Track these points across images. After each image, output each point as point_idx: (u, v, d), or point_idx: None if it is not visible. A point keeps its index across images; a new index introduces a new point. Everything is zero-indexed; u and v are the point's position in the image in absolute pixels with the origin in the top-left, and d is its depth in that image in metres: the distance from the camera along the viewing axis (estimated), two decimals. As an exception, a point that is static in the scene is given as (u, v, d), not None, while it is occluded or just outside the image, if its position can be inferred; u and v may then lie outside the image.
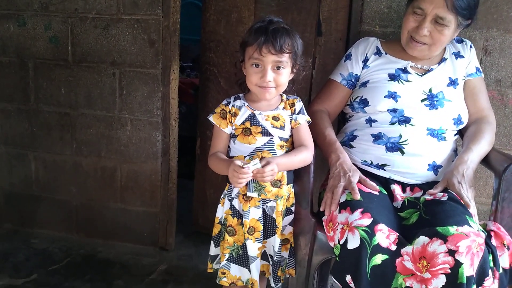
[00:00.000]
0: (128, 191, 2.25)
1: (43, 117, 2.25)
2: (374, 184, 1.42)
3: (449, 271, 1.12)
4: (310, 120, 1.51)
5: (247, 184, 1.38)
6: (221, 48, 2.16)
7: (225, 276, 1.46)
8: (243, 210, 1.43)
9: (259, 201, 1.42)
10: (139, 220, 2.27)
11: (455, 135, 1.60)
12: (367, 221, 1.24)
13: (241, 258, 1.46)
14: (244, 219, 1.42)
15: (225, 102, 1.47)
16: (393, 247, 1.21)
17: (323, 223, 1.42)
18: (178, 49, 2.08)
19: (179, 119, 2.18)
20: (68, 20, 2.11)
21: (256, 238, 1.43)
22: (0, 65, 2.25)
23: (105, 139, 2.21)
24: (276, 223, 1.45)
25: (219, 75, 2.19)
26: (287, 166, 1.42)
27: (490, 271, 1.19)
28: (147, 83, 2.10)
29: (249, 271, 1.45)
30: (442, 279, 1.12)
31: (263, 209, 1.44)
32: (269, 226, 1.46)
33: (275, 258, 1.47)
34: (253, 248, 1.43)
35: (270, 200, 1.44)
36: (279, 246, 1.46)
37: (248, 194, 1.40)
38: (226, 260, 1.46)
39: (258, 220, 1.43)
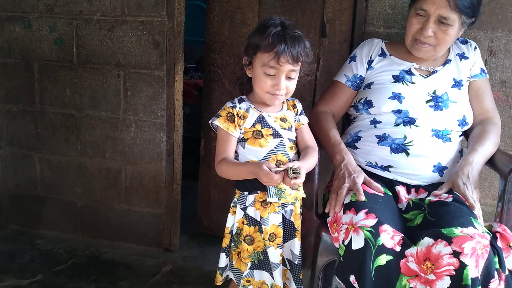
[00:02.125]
0: (132, 192, 2.26)
1: (48, 118, 2.27)
2: (378, 186, 1.42)
3: (454, 272, 1.11)
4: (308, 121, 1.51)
5: (266, 190, 1.35)
6: (225, 49, 2.16)
7: (250, 284, 1.44)
8: (261, 217, 1.38)
9: (279, 206, 1.39)
10: (143, 221, 2.28)
11: (460, 136, 1.60)
12: (371, 221, 1.23)
13: (263, 263, 1.43)
14: (264, 226, 1.37)
15: (230, 104, 1.40)
16: (398, 248, 1.20)
17: (328, 224, 1.42)
18: (182, 50, 2.08)
19: (183, 120, 2.18)
20: (73, 22, 2.13)
21: (277, 245, 1.40)
22: (5, 66, 2.26)
23: (109, 140, 2.22)
24: (296, 226, 1.43)
25: (223, 76, 2.20)
26: (309, 169, 1.40)
27: (496, 273, 1.18)
28: (152, 84, 2.11)
29: (272, 277, 1.41)
30: (446, 281, 1.12)
31: (282, 213, 1.41)
32: (288, 230, 1.43)
33: (296, 262, 1.43)
34: (275, 254, 1.40)
35: (288, 204, 1.41)
36: (300, 249, 1.44)
37: (269, 199, 1.35)
38: (249, 269, 1.43)
39: (278, 225, 1.39)
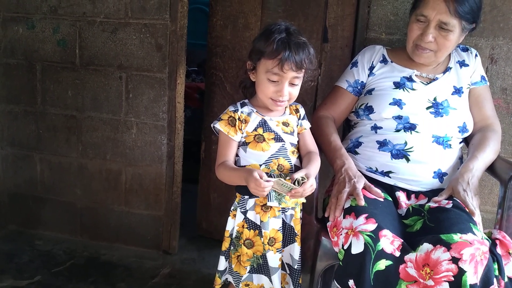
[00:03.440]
0: (132, 194, 2.26)
1: (50, 119, 2.27)
2: (379, 191, 1.42)
3: (453, 278, 1.11)
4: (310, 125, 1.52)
5: (266, 195, 1.34)
6: (227, 53, 2.17)
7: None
8: (261, 221, 1.37)
9: (279, 210, 1.39)
10: (143, 223, 2.27)
11: (461, 143, 1.60)
12: (371, 226, 1.24)
13: (262, 267, 1.43)
14: (263, 231, 1.37)
15: (232, 108, 1.40)
16: (397, 253, 1.20)
17: (328, 228, 1.42)
18: (185, 53, 2.09)
19: (184, 123, 2.19)
20: (76, 23, 2.14)
21: (277, 249, 1.39)
22: (8, 67, 2.27)
23: (110, 142, 2.22)
24: (296, 231, 1.42)
25: (225, 80, 2.20)
26: (314, 175, 1.39)
27: (495, 280, 1.17)
28: (154, 87, 2.12)
29: (270, 281, 1.41)
30: (445, 287, 1.12)
31: (282, 218, 1.41)
32: (287, 234, 1.42)
33: (295, 267, 1.43)
34: (274, 259, 1.39)
35: (289, 209, 1.41)
36: (299, 254, 1.43)
37: (269, 204, 1.35)
38: (248, 272, 1.42)
39: (278, 230, 1.39)
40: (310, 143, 1.48)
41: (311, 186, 1.30)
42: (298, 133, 1.47)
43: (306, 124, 1.49)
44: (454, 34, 1.51)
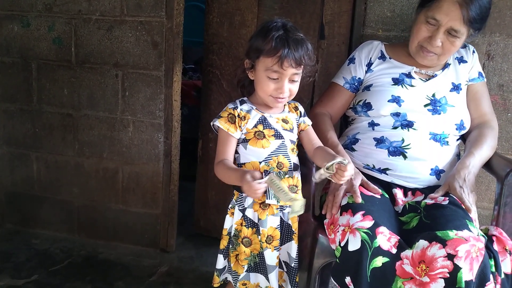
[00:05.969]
0: (129, 192, 2.25)
1: (46, 117, 2.26)
2: (376, 188, 1.42)
3: (448, 275, 1.11)
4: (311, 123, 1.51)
5: (265, 192, 1.33)
6: (224, 50, 2.16)
7: (246, 287, 1.45)
8: (259, 219, 1.38)
9: (277, 208, 1.39)
10: (140, 221, 2.27)
11: (458, 139, 1.60)
12: (368, 223, 1.24)
13: (258, 265, 1.43)
14: (261, 228, 1.37)
15: (231, 106, 1.40)
16: (394, 250, 1.20)
17: (325, 226, 1.42)
18: (181, 51, 2.08)
19: (181, 121, 2.18)
20: (72, 21, 2.13)
21: (274, 247, 1.39)
22: (3, 65, 2.26)
23: (107, 140, 2.21)
24: (293, 229, 1.43)
25: (222, 77, 2.19)
26: None
27: (491, 276, 1.18)
28: (150, 84, 2.11)
29: (267, 279, 1.41)
30: (440, 283, 1.12)
31: (280, 216, 1.41)
32: (285, 232, 1.43)
33: (292, 264, 1.43)
34: (272, 257, 1.39)
35: (287, 206, 1.40)
36: (297, 252, 1.44)
37: (267, 201, 1.35)
38: (245, 271, 1.42)
39: (276, 228, 1.39)
40: (316, 138, 1.47)
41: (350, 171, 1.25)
42: (302, 131, 1.47)
43: (308, 121, 1.49)
44: (460, 41, 1.50)
